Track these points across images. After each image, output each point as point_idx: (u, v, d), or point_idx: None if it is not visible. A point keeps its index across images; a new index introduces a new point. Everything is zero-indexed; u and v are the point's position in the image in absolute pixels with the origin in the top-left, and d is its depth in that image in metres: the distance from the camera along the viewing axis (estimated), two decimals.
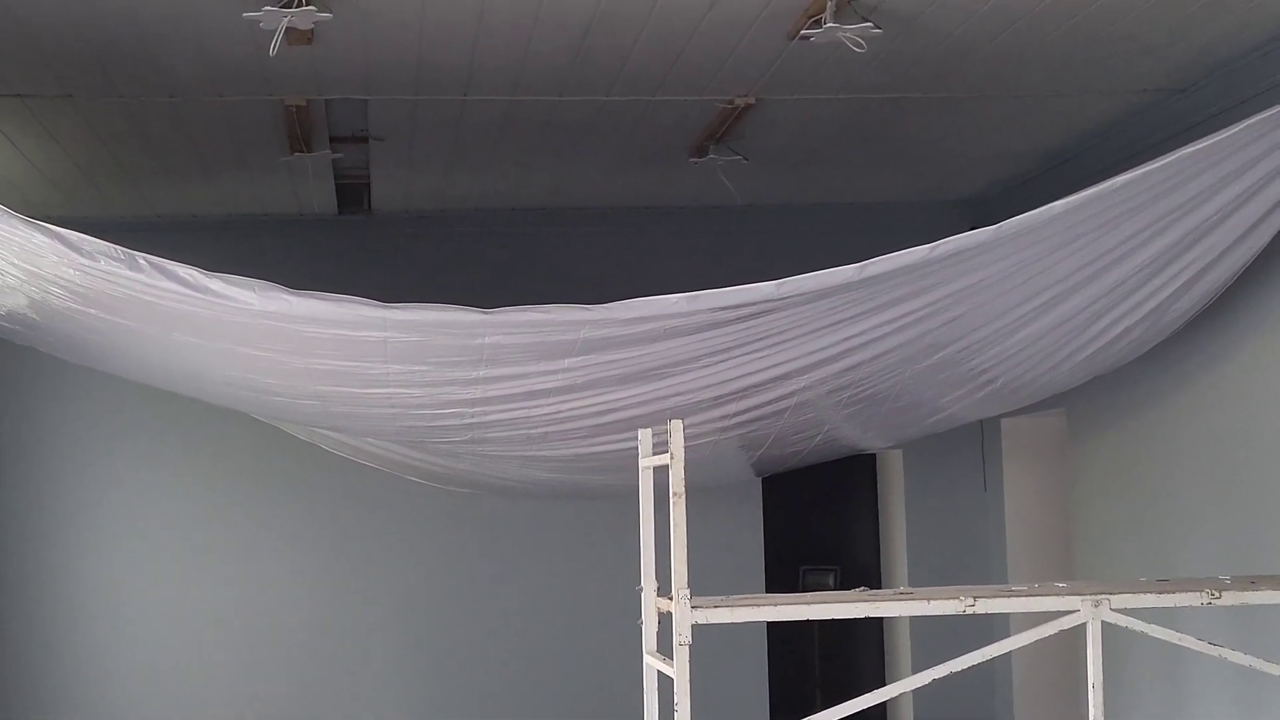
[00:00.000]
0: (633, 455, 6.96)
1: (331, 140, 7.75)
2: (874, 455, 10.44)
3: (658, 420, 6.17)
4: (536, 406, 6.21)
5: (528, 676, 9.64)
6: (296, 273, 5.38)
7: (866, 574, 10.69)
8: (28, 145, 7.56)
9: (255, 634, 9.52)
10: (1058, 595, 4.86)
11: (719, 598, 4.83)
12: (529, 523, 9.66)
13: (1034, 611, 4.98)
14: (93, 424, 9.40)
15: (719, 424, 6.86)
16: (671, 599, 4.76)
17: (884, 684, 10.31)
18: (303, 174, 8.28)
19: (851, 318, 5.84)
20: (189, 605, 9.46)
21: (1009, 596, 4.99)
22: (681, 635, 4.65)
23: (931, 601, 4.78)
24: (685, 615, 4.64)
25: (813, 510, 11.38)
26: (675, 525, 4.69)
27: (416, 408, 6.18)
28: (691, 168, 8.30)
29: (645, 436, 5.30)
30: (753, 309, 5.35)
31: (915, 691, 9.00)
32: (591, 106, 7.22)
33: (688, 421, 6.21)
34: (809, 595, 5.45)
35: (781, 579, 10.44)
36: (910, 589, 5.22)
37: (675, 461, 4.72)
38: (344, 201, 9.20)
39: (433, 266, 9.52)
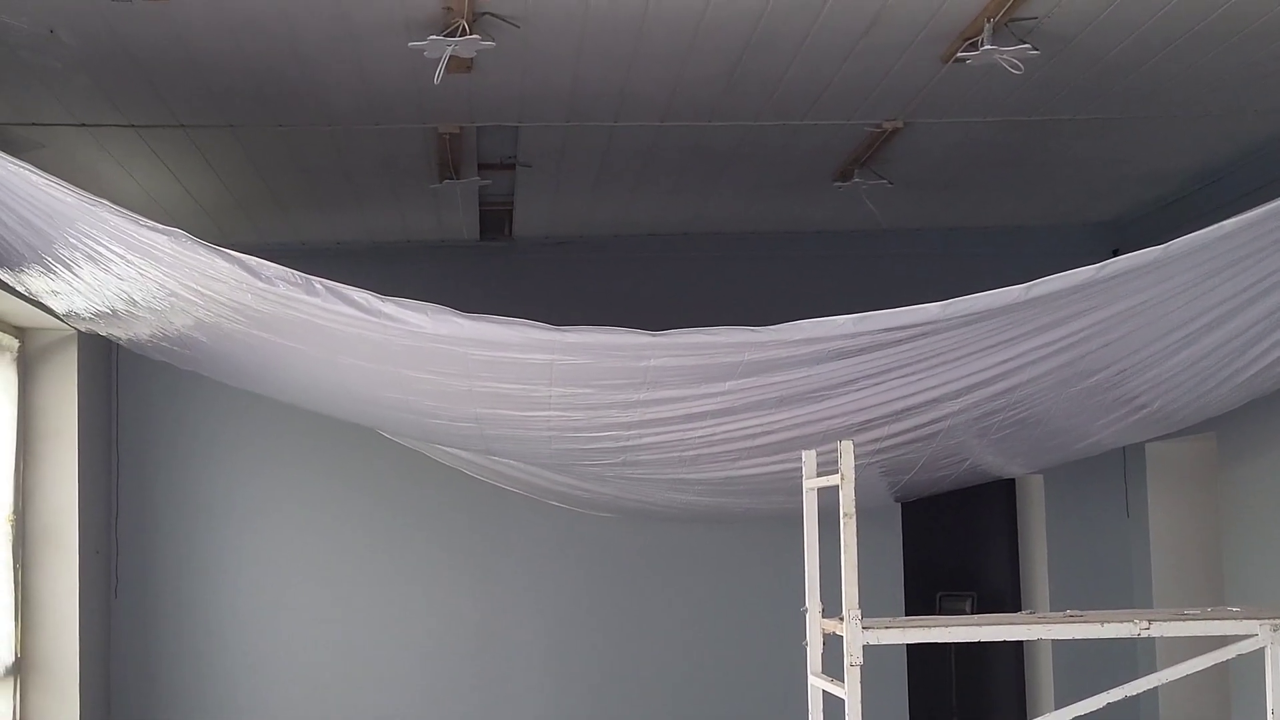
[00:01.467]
0: (780, 478, 6.99)
1: (480, 167, 7.86)
2: (1013, 480, 10.36)
3: (809, 444, 6.19)
4: (692, 429, 6.25)
5: (683, 698, 9.71)
6: (439, 298, 5.42)
7: (1002, 600, 10.61)
8: (187, 175, 7.76)
9: (407, 653, 9.65)
10: (1235, 619, 4.80)
11: (888, 618, 4.83)
12: (673, 546, 9.71)
13: (1207, 636, 4.93)
14: (250, 446, 9.62)
15: (869, 448, 6.84)
16: (836, 620, 4.78)
17: (1024, 710, 10.24)
18: (450, 201, 8.41)
19: (1010, 340, 5.80)
20: (341, 624, 9.64)
21: (1183, 620, 4.94)
22: (853, 656, 4.66)
23: (1105, 624, 4.75)
24: (857, 636, 4.65)
25: (948, 535, 11.31)
26: (845, 546, 4.71)
27: (573, 430, 6.24)
28: (835, 191, 8.31)
29: (810, 458, 5.32)
30: (916, 330, 5.34)
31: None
32: (739, 132, 7.27)
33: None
34: (979, 617, 5.44)
35: (918, 604, 10.38)
36: (1080, 611, 5.17)
37: (845, 482, 4.74)
38: (486, 227, 9.32)
39: (574, 292, 9.60)
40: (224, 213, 8.58)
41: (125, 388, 9.48)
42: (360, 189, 8.26)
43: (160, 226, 4.84)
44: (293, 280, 4.86)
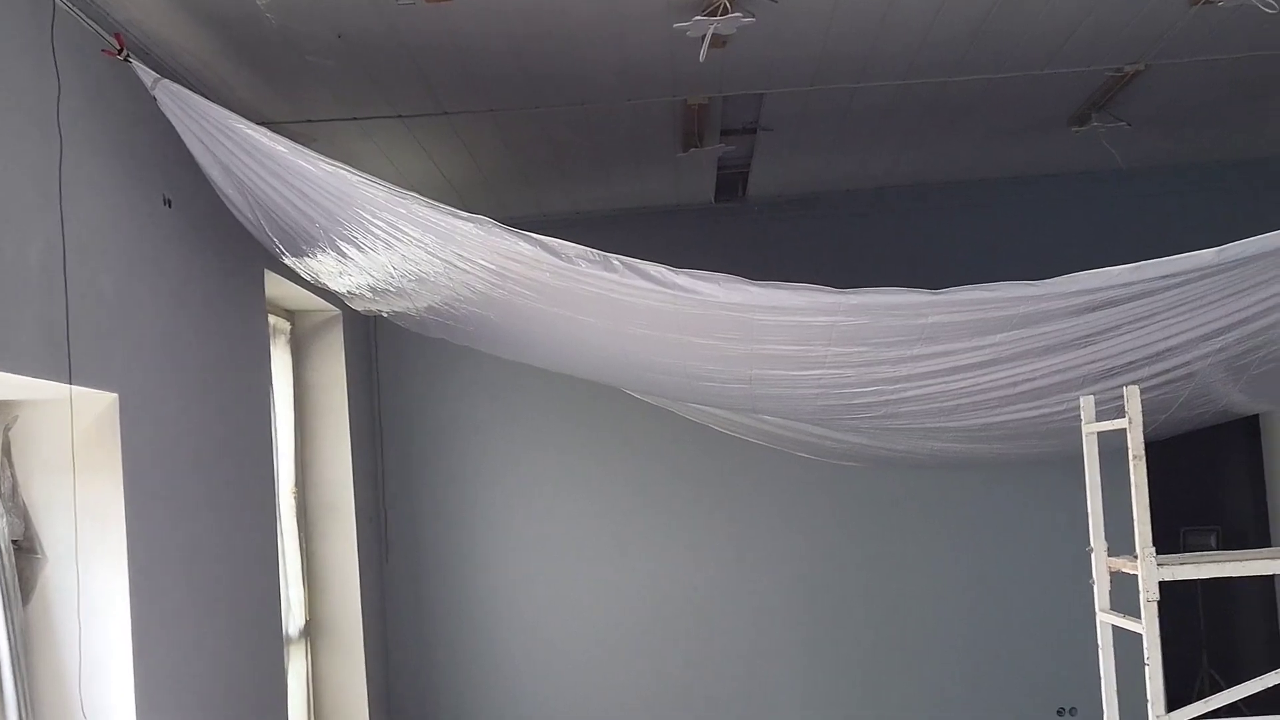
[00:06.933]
0: (1036, 422, 7.13)
1: (722, 134, 8.09)
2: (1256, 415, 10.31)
3: (1067, 388, 6.33)
4: (955, 380, 6.39)
5: (955, 636, 10.00)
6: (677, 259, 5.61)
7: (1245, 535, 10.56)
8: (443, 158, 8.12)
9: (670, 604, 9.97)
10: None
11: (1182, 555, 4.98)
12: (916, 490, 9.91)
13: None
14: (497, 411, 10.05)
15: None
16: (1122, 558, 4.94)
17: (1276, 642, 10.21)
18: (691, 168, 8.65)
19: (1273, 278, 5.84)
20: (605, 577, 10.00)
21: None
22: (1149, 592, 4.82)
23: None
24: (1152, 572, 4.82)
25: (1189, 471, 11.27)
26: (1136, 487, 4.87)
27: (841, 387, 6.44)
28: (1071, 136, 8.37)
29: (1088, 404, 5.46)
30: (1189, 276, 5.43)
31: None
32: (979, 85, 7.38)
33: (1096, 388, 6.37)
34: (1271, 550, 5.53)
35: (1160, 539, 10.35)
36: None
37: (1134, 426, 4.89)
38: (720, 189, 9.55)
39: (805, 248, 9.81)
40: (471, 189, 8.93)
41: (384, 363, 9.96)
42: (606, 161, 8.55)
43: (466, 215, 5.20)
44: (591, 258, 5.16)
